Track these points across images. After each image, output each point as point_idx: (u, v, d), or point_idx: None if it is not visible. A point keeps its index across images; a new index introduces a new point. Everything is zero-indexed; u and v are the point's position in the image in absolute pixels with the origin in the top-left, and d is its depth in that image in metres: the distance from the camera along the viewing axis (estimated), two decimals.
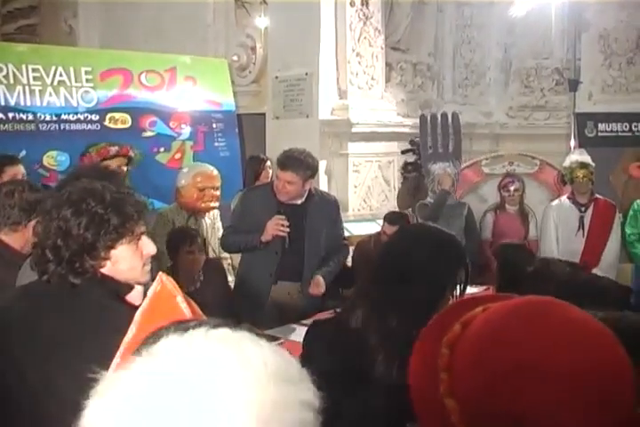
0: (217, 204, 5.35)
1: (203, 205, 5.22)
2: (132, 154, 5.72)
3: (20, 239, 3.31)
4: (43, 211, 2.21)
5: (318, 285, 4.69)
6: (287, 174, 4.65)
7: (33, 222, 3.28)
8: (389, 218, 5.99)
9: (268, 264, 4.78)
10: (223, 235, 5.01)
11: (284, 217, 4.61)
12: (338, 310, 4.83)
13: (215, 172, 5.41)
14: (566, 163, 6.33)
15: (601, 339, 1.07)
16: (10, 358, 2.04)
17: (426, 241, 2.36)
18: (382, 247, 2.63)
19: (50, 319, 2.07)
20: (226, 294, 4.85)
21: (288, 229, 4.61)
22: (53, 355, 1.98)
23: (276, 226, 4.58)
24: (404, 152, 7.62)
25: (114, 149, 5.55)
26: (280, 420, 0.82)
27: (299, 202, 4.81)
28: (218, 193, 5.31)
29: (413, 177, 7.30)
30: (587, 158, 6.27)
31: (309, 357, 2.41)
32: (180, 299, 1.85)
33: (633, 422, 1.07)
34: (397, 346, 1.89)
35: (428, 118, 7.67)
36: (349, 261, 5.89)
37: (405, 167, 7.41)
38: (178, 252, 4.60)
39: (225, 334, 0.92)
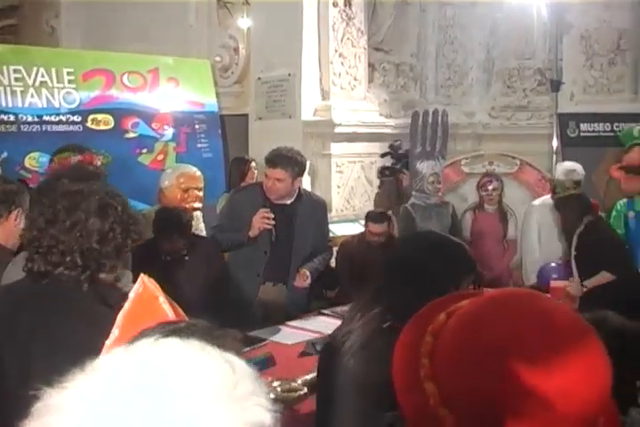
0: (200, 204, 5.33)
1: (187, 205, 5.21)
2: (97, 162, 5.60)
3: (2, 232, 3.26)
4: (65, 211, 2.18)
5: (304, 277, 4.70)
6: (276, 171, 4.66)
7: (14, 214, 3.26)
8: (373, 217, 5.99)
9: (256, 264, 4.78)
10: (211, 235, 5.00)
11: (268, 210, 4.62)
12: (325, 311, 4.88)
13: (198, 172, 5.40)
14: (558, 174, 6.34)
15: (576, 328, 1.11)
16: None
17: (439, 251, 2.41)
18: (394, 253, 2.63)
19: (33, 317, 2.05)
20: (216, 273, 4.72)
21: (274, 222, 4.62)
22: (31, 350, 1.97)
23: (262, 219, 4.58)
24: (383, 155, 7.61)
25: (75, 159, 5.47)
26: None
27: (288, 202, 4.82)
28: (201, 194, 5.30)
29: (390, 181, 7.29)
30: (578, 172, 6.25)
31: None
32: (163, 300, 1.84)
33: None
34: None
35: (421, 115, 7.66)
36: (332, 262, 5.89)
37: (382, 171, 7.39)
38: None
39: (172, 348, 0.88)
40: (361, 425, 2.23)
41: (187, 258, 4.52)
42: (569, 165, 6.43)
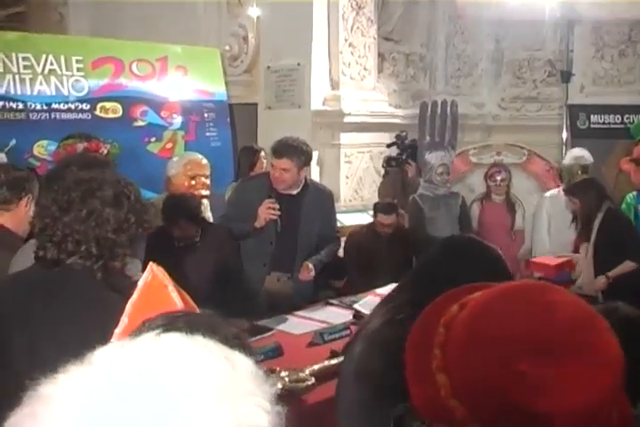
0: (207, 192, 5.33)
1: (195, 193, 5.21)
2: (103, 150, 5.59)
3: (13, 218, 3.26)
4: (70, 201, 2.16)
5: (308, 270, 4.69)
6: (282, 162, 4.66)
7: (24, 201, 3.26)
8: (382, 208, 5.99)
9: (262, 254, 4.79)
10: (218, 223, 5.01)
11: (274, 200, 4.63)
12: (332, 301, 4.88)
13: (204, 160, 5.40)
14: (566, 161, 6.33)
15: (588, 321, 1.10)
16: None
17: (476, 261, 2.35)
18: (426, 259, 2.59)
19: (44, 304, 2.05)
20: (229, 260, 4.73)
21: (279, 213, 4.62)
22: (42, 337, 1.97)
23: (267, 210, 4.59)
24: (389, 146, 7.58)
25: (81, 146, 5.47)
26: None
27: (294, 192, 4.81)
28: (208, 181, 5.30)
29: (396, 171, 7.27)
30: (586, 159, 6.25)
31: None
32: (172, 288, 1.83)
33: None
34: None
35: (429, 106, 7.64)
36: (341, 252, 5.88)
37: (388, 162, 7.37)
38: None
39: (171, 343, 0.86)
40: (360, 412, 2.24)
41: (198, 244, 4.54)
42: (576, 150, 6.44)
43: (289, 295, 4.81)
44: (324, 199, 4.99)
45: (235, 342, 1.43)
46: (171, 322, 1.30)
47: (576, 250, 5.96)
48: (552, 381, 1.03)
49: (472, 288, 1.28)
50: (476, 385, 1.08)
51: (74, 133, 5.49)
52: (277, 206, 4.62)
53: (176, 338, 0.88)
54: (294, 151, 4.67)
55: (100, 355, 0.84)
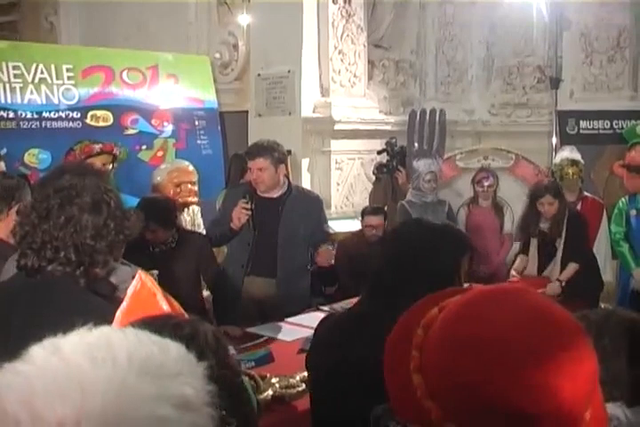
0: (195, 198, 5.34)
1: (181, 200, 5.21)
2: (116, 152, 5.70)
3: (4, 228, 3.26)
4: (49, 207, 2.16)
5: (324, 254, 4.72)
6: (257, 162, 4.75)
7: (14, 210, 3.26)
8: (368, 210, 6.11)
9: (241, 256, 4.85)
10: (205, 229, 5.05)
11: (247, 201, 4.66)
12: (324, 307, 4.88)
13: (191, 167, 5.43)
14: (556, 160, 6.37)
15: (563, 324, 1.11)
16: None
17: (434, 233, 2.43)
18: (388, 241, 2.62)
19: (26, 313, 2.05)
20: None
21: (249, 212, 4.64)
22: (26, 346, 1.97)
23: (240, 210, 4.62)
24: (379, 152, 7.59)
25: (97, 147, 5.53)
26: (135, 413, 0.79)
27: (275, 195, 4.84)
28: (195, 188, 5.31)
29: (386, 178, 7.29)
30: (577, 156, 6.30)
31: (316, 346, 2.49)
32: (160, 297, 1.85)
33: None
34: None
35: (418, 114, 7.66)
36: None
37: (379, 168, 7.38)
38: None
39: (99, 333, 0.92)
40: (326, 405, 2.34)
41: (175, 250, 4.53)
42: (567, 152, 6.49)
43: (275, 302, 4.80)
44: (308, 203, 4.99)
45: (214, 340, 1.45)
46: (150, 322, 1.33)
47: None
48: (527, 382, 1.03)
49: (453, 292, 1.30)
50: (451, 386, 1.09)
51: (83, 139, 5.58)
52: (249, 207, 4.65)
53: (106, 329, 0.93)
54: (265, 150, 4.76)
55: (34, 349, 0.88)
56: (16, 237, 2.18)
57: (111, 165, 5.66)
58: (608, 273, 6.24)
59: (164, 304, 1.85)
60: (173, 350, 0.91)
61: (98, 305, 1.95)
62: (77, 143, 5.60)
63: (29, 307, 2.08)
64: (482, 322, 1.11)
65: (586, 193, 6.29)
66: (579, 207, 6.18)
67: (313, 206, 5.01)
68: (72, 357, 0.83)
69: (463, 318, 1.14)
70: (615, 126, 7.79)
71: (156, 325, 1.37)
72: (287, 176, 5.04)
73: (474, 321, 1.11)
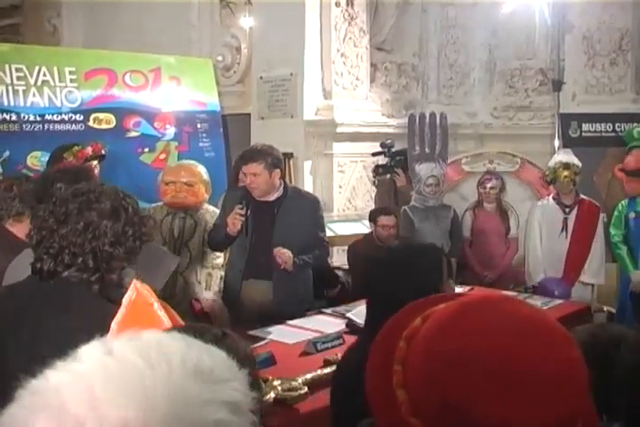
0: (190, 199, 5.13)
1: (170, 199, 5.11)
2: (103, 151, 5.69)
3: (24, 229, 3.29)
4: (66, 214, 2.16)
5: (280, 253, 4.61)
6: (251, 166, 4.72)
7: None
8: (380, 211, 6.08)
9: (239, 260, 4.86)
10: (208, 233, 5.04)
11: (241, 206, 4.65)
12: (325, 310, 4.88)
13: (186, 165, 5.33)
14: (550, 163, 6.35)
15: (548, 334, 1.09)
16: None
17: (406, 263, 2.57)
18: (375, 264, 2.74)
19: (38, 317, 2.05)
20: None
21: (243, 218, 4.63)
22: (37, 349, 1.97)
23: (234, 215, 4.61)
24: (375, 154, 7.54)
25: (90, 150, 5.52)
26: (193, 417, 0.80)
27: (271, 199, 4.83)
28: (193, 188, 5.13)
29: (385, 180, 7.27)
30: (571, 159, 6.28)
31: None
32: (157, 306, 1.83)
33: None
34: None
35: (417, 118, 7.66)
36: (334, 261, 5.88)
37: (376, 170, 7.36)
38: None
39: (148, 335, 0.92)
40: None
41: None
42: (561, 155, 6.48)
43: (273, 305, 4.78)
44: (305, 206, 4.93)
45: (223, 341, 1.46)
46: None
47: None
48: (516, 397, 1.00)
49: (437, 299, 1.27)
50: (436, 403, 1.05)
51: (68, 144, 5.53)
52: (243, 212, 4.63)
53: (155, 333, 0.94)
54: (260, 155, 4.72)
55: (84, 350, 0.88)
56: (32, 241, 2.17)
57: (98, 165, 5.72)
58: (602, 276, 6.23)
59: (162, 315, 1.83)
60: (220, 355, 0.93)
61: (110, 313, 1.94)
62: (66, 150, 5.55)
63: (42, 311, 2.07)
64: (468, 335, 1.07)
65: (583, 196, 6.27)
66: (575, 211, 6.18)
67: (308, 208, 4.93)
68: (127, 358, 0.84)
69: (448, 330, 1.10)
70: (617, 129, 7.77)
71: (198, 331, 1.38)
72: (283, 179, 5.00)
73: (459, 334, 1.08)
